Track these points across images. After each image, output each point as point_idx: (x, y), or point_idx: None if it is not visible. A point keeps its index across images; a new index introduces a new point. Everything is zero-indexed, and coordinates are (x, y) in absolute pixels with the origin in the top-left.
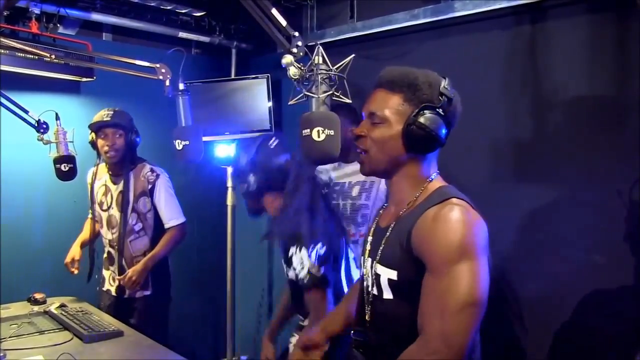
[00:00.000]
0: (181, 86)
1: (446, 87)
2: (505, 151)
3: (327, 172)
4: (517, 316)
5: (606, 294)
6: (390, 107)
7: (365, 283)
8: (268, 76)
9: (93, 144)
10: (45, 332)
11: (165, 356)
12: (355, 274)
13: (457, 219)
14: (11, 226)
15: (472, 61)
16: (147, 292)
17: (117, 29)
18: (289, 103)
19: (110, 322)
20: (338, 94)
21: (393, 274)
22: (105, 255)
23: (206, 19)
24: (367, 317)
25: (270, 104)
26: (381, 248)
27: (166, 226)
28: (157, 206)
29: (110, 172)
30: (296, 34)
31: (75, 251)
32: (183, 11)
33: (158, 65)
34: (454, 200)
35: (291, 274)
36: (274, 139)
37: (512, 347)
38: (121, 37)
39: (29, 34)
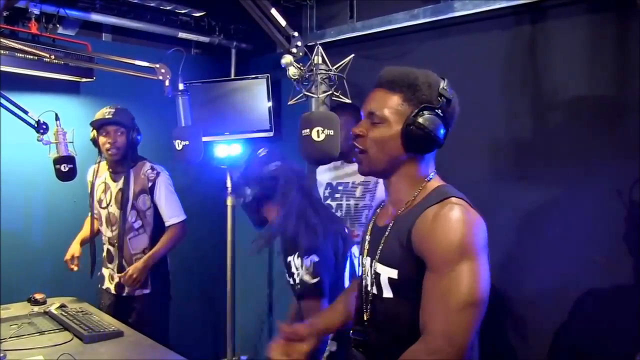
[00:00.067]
0: (181, 86)
1: (445, 87)
2: (505, 151)
3: (329, 172)
4: (517, 316)
5: (606, 294)
6: (389, 107)
7: (364, 282)
8: (268, 76)
9: (94, 142)
10: (46, 333)
11: (165, 356)
12: None
13: (458, 218)
14: (11, 226)
15: (472, 61)
16: (147, 291)
17: (116, 29)
18: (289, 103)
19: (110, 322)
20: (338, 94)
21: (393, 273)
22: (104, 253)
23: (206, 19)
24: (366, 316)
25: (270, 104)
26: (380, 247)
27: (167, 224)
28: (158, 204)
29: (110, 170)
30: (296, 34)
31: (75, 248)
32: (183, 11)
33: (158, 66)
34: (453, 199)
35: (291, 281)
36: (262, 149)
37: (511, 347)
38: (121, 37)
39: (29, 35)
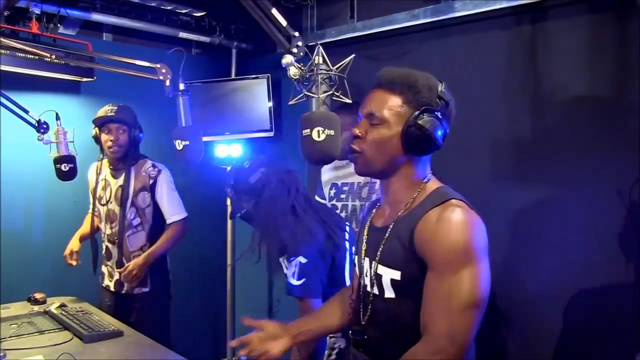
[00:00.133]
0: (181, 86)
1: (444, 90)
2: (505, 151)
3: (333, 171)
4: (517, 315)
5: (606, 294)
6: (389, 108)
7: (362, 282)
8: (268, 76)
9: (96, 139)
10: (45, 332)
11: (165, 356)
12: None
13: (461, 220)
14: (11, 226)
15: (472, 61)
16: (146, 289)
17: (117, 29)
18: (289, 103)
19: (110, 322)
20: (338, 94)
21: (396, 274)
22: (103, 250)
23: (206, 19)
24: (366, 316)
25: (270, 104)
26: (381, 248)
27: (168, 221)
28: (159, 202)
29: (111, 167)
30: (296, 34)
31: (74, 243)
32: (183, 11)
33: (158, 66)
34: (454, 201)
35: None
36: (247, 161)
37: (511, 347)
38: (121, 37)
39: (29, 34)
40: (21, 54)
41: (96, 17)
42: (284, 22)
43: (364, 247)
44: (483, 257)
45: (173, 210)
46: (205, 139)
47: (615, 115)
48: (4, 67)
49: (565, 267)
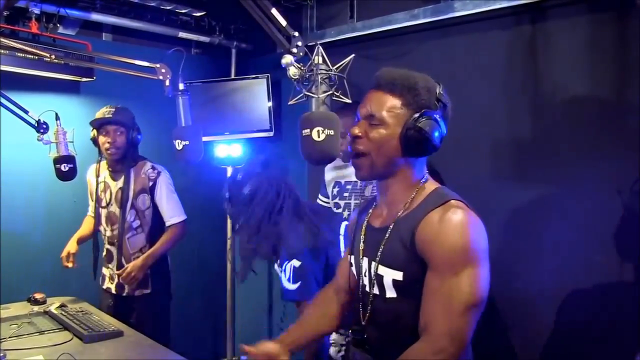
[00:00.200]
0: (181, 86)
1: (442, 92)
2: (505, 151)
3: (335, 170)
4: (517, 315)
5: (606, 294)
6: (389, 109)
7: (360, 282)
8: (268, 76)
9: (94, 141)
10: (45, 332)
11: (165, 356)
12: None
13: (463, 222)
14: (11, 226)
15: (472, 61)
16: (147, 291)
17: (117, 29)
18: (289, 103)
19: (110, 322)
20: (338, 94)
21: (398, 275)
22: (104, 252)
23: (206, 19)
24: (365, 316)
25: (270, 104)
26: (381, 249)
27: (167, 224)
28: (159, 204)
29: (110, 169)
30: (296, 34)
31: (71, 246)
32: (183, 11)
33: (158, 65)
34: (454, 202)
35: None
36: (240, 172)
37: (511, 347)
38: (121, 37)
39: (29, 34)
40: (21, 54)
41: (96, 17)
42: (283, 22)
43: (361, 247)
44: (483, 258)
45: (172, 213)
46: (205, 139)
47: (615, 115)
48: (4, 67)
49: (565, 267)
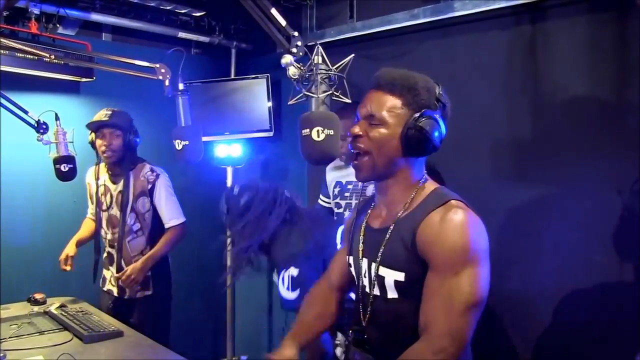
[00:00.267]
0: (181, 86)
1: (441, 92)
2: (505, 151)
3: (336, 170)
4: (517, 315)
5: (606, 294)
6: (389, 109)
7: (360, 283)
8: (268, 76)
9: (92, 144)
10: (45, 333)
11: (165, 356)
12: None
13: (464, 222)
14: (11, 226)
15: (472, 61)
16: (148, 292)
17: (116, 29)
18: (289, 103)
19: (110, 322)
20: (338, 94)
21: (400, 276)
22: (105, 255)
23: (206, 19)
24: (366, 317)
25: (270, 104)
26: (381, 250)
27: (166, 226)
28: (157, 206)
29: (109, 172)
30: (296, 34)
31: (70, 248)
32: (183, 11)
33: (158, 65)
34: (455, 202)
35: None
36: (235, 186)
37: (511, 347)
38: (121, 37)
39: (29, 34)
40: (21, 54)
41: (95, 17)
42: (283, 22)
43: (360, 248)
44: (484, 258)
45: (171, 215)
46: (204, 139)
47: (615, 115)
48: (4, 67)
49: (565, 267)
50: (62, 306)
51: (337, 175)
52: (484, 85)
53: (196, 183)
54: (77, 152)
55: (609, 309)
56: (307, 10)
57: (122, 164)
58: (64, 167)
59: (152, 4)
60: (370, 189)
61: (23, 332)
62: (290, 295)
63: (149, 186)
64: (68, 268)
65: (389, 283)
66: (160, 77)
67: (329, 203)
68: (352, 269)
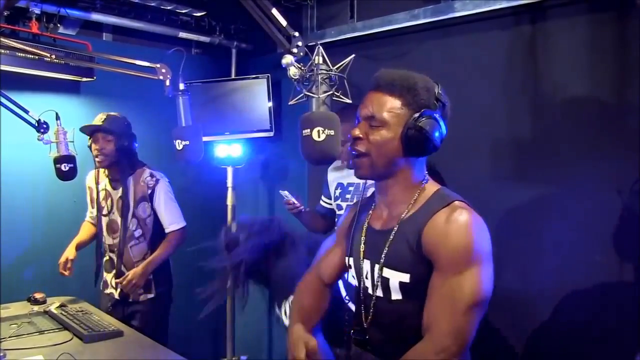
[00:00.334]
0: (181, 86)
1: (441, 92)
2: (505, 151)
3: (337, 171)
4: (517, 315)
5: (606, 294)
6: (389, 110)
7: (361, 285)
8: (268, 76)
9: (90, 148)
10: (45, 332)
11: (165, 356)
12: None
13: (469, 222)
14: (11, 226)
15: (472, 61)
16: (151, 295)
17: (117, 29)
18: (289, 103)
19: (110, 322)
20: (338, 94)
21: (405, 277)
22: (106, 259)
23: (206, 19)
24: (368, 318)
25: (270, 104)
26: (385, 251)
27: (167, 230)
28: (157, 211)
29: (109, 177)
30: (296, 34)
31: (69, 252)
32: (183, 11)
33: (158, 65)
34: (458, 203)
35: None
36: (232, 224)
37: (511, 347)
38: (121, 37)
39: (29, 34)
40: (21, 54)
41: (96, 17)
42: (284, 22)
43: (362, 249)
44: (487, 259)
45: (171, 220)
46: (205, 139)
47: (615, 116)
48: (4, 67)
49: (565, 267)
50: (62, 306)
51: (338, 175)
52: (484, 85)
53: (196, 183)
54: (78, 152)
55: (609, 309)
56: (307, 11)
57: (118, 168)
58: (65, 167)
59: (152, 4)
60: (371, 191)
61: (23, 331)
62: None
63: (149, 191)
64: (67, 273)
65: (394, 284)
66: (161, 77)
67: (330, 204)
68: (352, 271)
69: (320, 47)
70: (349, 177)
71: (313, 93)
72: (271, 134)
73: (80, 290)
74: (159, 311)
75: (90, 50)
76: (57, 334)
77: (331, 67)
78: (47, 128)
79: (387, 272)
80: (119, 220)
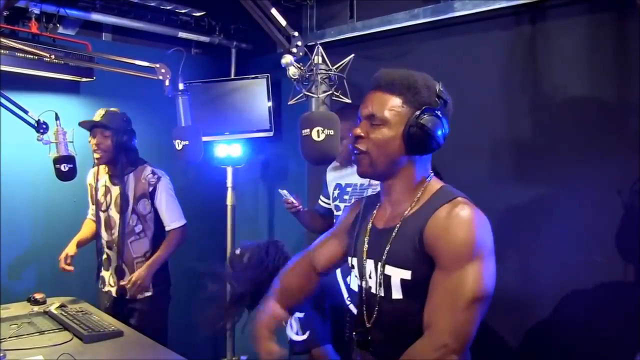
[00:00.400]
0: (181, 86)
1: (441, 89)
2: (505, 151)
3: (336, 171)
4: (516, 315)
5: (606, 294)
6: (390, 108)
7: (364, 284)
8: (268, 76)
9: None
10: (45, 332)
11: (165, 356)
12: None
13: (470, 218)
14: (11, 226)
15: (472, 61)
16: (148, 294)
17: (117, 29)
18: (289, 103)
19: (110, 322)
20: (338, 94)
21: (406, 274)
22: (105, 256)
23: (206, 19)
24: (371, 318)
25: (270, 104)
26: (387, 249)
27: (167, 229)
28: (158, 209)
29: (109, 173)
30: (296, 33)
31: (70, 248)
32: (183, 11)
33: (158, 65)
34: (461, 199)
35: None
36: (238, 250)
37: (511, 347)
38: (121, 37)
39: (29, 34)
40: (21, 54)
41: (96, 17)
42: (283, 22)
43: (365, 248)
44: (489, 255)
45: (172, 218)
46: (204, 139)
47: (616, 116)
48: (4, 67)
49: (565, 267)
50: (62, 306)
51: (336, 176)
52: (484, 85)
53: (196, 183)
54: (77, 152)
55: (609, 309)
56: (307, 10)
57: (116, 164)
58: (64, 167)
59: (152, 4)
60: (369, 193)
61: (23, 332)
62: (299, 337)
63: (150, 189)
64: (68, 268)
65: (395, 282)
66: (161, 77)
67: (329, 204)
68: (356, 270)
69: (320, 47)
70: (347, 177)
71: (313, 93)
72: (271, 134)
73: (80, 290)
74: (158, 309)
75: (90, 50)
76: (57, 334)
77: (331, 67)
78: (47, 128)
79: (389, 270)
80: (116, 216)
